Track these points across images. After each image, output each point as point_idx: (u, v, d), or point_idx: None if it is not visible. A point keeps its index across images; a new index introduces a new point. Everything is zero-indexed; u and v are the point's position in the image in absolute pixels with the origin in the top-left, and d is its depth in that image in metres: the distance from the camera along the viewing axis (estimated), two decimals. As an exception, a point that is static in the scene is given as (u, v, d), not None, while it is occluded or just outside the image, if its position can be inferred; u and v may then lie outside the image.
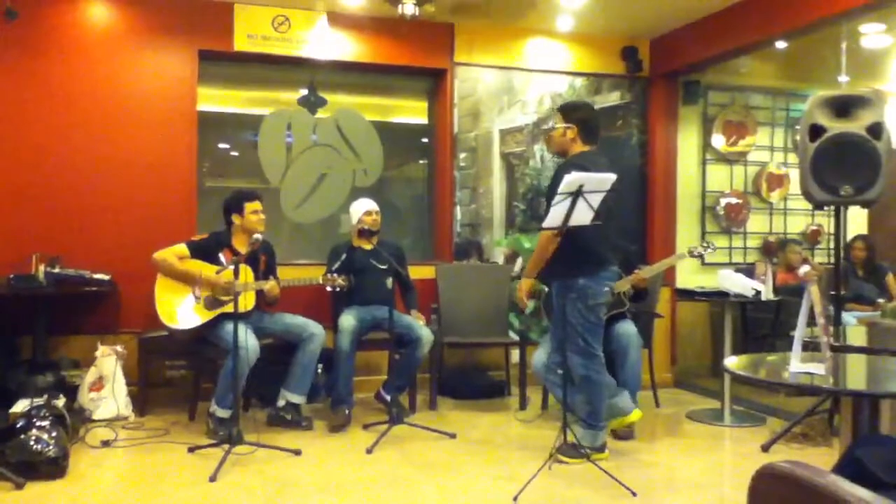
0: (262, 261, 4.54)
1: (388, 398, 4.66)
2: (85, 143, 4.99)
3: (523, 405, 5.11)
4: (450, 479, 3.65)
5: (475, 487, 3.52)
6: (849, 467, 1.99)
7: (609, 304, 4.50)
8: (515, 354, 5.35)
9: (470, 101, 5.80)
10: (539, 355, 4.70)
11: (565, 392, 3.80)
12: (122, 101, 5.07)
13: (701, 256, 4.58)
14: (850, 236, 6.08)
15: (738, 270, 5.09)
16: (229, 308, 4.09)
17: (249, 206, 4.49)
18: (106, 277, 4.73)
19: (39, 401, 3.83)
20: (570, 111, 3.98)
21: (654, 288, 4.96)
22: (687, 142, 6.37)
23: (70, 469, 3.58)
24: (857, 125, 3.88)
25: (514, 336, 5.36)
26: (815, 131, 3.94)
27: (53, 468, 3.48)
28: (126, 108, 5.08)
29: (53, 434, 3.54)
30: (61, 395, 4.12)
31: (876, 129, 3.86)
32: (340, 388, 4.60)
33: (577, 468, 3.64)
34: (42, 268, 4.56)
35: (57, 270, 4.60)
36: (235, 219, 4.49)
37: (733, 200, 6.48)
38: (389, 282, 4.51)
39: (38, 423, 3.54)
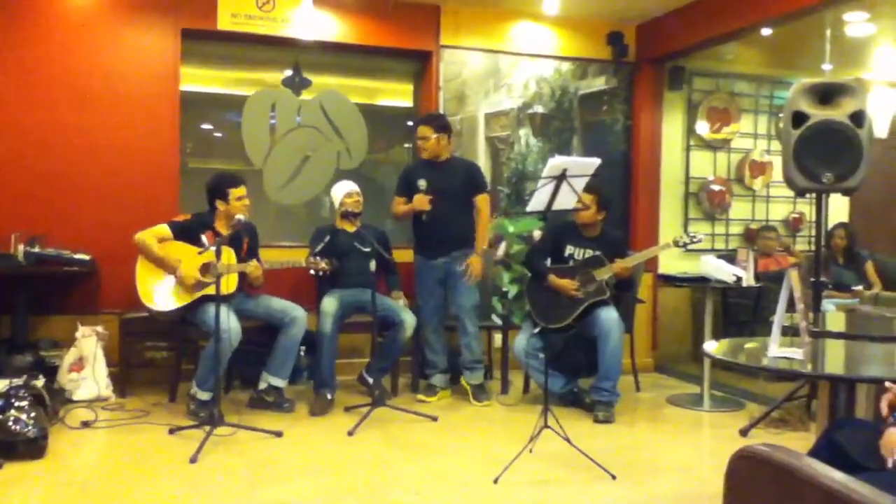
0: (245, 242, 4.52)
1: (371, 381, 4.66)
2: (66, 123, 4.92)
3: (505, 389, 5.13)
4: (431, 461, 3.66)
5: (456, 470, 3.54)
6: (825, 450, 2.01)
7: (592, 292, 4.54)
8: (498, 338, 5.36)
9: (455, 85, 5.77)
10: (520, 340, 4.73)
11: (546, 376, 3.83)
12: (103, 79, 5.01)
13: (686, 247, 4.61)
14: (831, 224, 6.14)
15: (719, 257, 5.12)
16: (211, 290, 4.07)
17: (234, 193, 4.43)
18: (87, 258, 4.69)
19: (18, 381, 3.79)
20: (442, 123, 4.88)
21: (636, 274, 4.99)
22: (671, 128, 6.38)
23: (49, 450, 3.56)
24: (839, 113, 3.89)
25: (496, 320, 5.37)
26: (798, 118, 3.95)
27: (32, 448, 3.46)
28: (108, 87, 5.01)
29: (32, 414, 3.52)
30: (41, 376, 4.08)
31: (858, 117, 3.87)
32: (323, 372, 4.60)
33: (558, 451, 3.65)
34: (21, 247, 4.51)
35: (37, 250, 4.55)
36: (220, 205, 4.45)
37: (716, 187, 6.51)
38: (372, 264, 4.50)
39: (16, 404, 3.52)
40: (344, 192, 4.88)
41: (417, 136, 4.85)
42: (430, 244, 4.85)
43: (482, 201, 4.89)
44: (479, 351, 4.89)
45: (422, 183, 4.79)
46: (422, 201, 4.76)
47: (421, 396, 4.86)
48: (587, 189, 4.17)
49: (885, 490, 1.29)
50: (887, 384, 1.98)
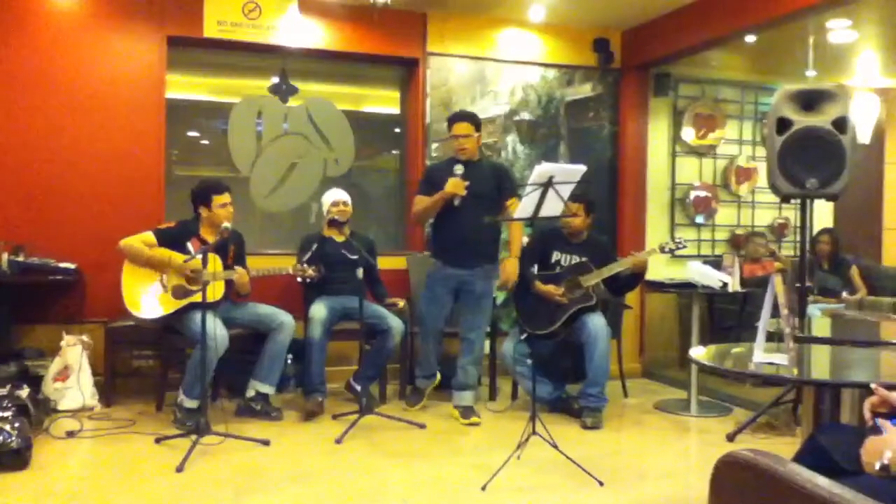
0: (231, 250, 4.50)
1: (359, 388, 4.64)
2: (51, 130, 4.90)
3: (493, 395, 5.13)
4: (419, 468, 3.65)
5: (444, 477, 3.53)
6: (809, 455, 2.02)
7: (578, 298, 4.54)
8: (486, 345, 5.35)
9: (442, 91, 5.78)
10: (508, 346, 4.73)
11: (534, 382, 3.83)
12: (89, 87, 4.99)
13: (672, 252, 4.63)
14: (816, 230, 6.18)
15: (706, 263, 5.14)
16: (197, 297, 4.05)
17: (217, 199, 4.41)
18: (72, 266, 4.67)
19: (2, 391, 3.75)
20: (478, 120, 4.66)
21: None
22: (657, 134, 6.41)
23: (33, 460, 3.53)
24: (823, 119, 3.92)
25: (484, 327, 5.36)
26: (782, 125, 3.98)
27: (16, 459, 3.43)
28: (93, 95, 4.99)
29: (16, 425, 3.48)
30: (25, 386, 4.04)
31: (841, 123, 3.90)
32: (313, 377, 4.58)
33: (546, 457, 3.65)
34: (6, 256, 4.48)
35: (21, 259, 4.52)
36: (203, 211, 4.43)
37: (702, 193, 6.54)
38: (360, 272, 4.49)
39: (0, 414, 3.49)
40: (331, 199, 4.88)
41: (458, 134, 4.51)
42: (454, 250, 4.55)
43: (514, 205, 4.44)
44: (476, 375, 4.73)
45: (458, 168, 4.47)
46: (458, 185, 4.40)
47: (408, 404, 4.84)
48: (574, 198, 4.17)
49: (868, 495, 1.30)
50: (873, 385, 1.99)
